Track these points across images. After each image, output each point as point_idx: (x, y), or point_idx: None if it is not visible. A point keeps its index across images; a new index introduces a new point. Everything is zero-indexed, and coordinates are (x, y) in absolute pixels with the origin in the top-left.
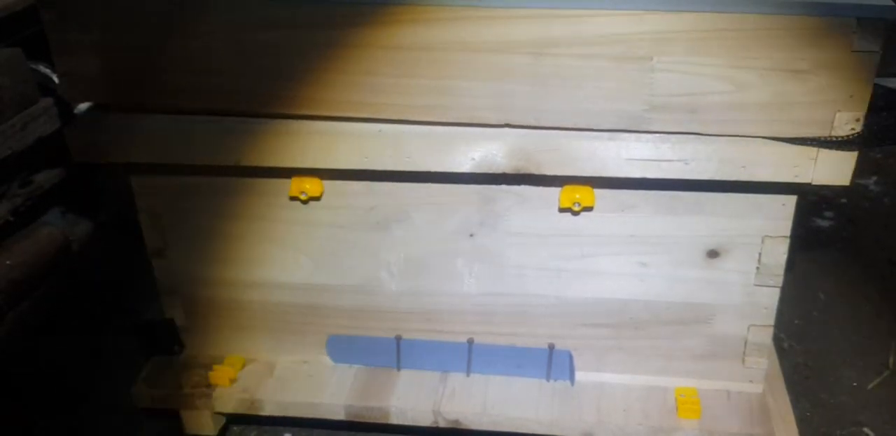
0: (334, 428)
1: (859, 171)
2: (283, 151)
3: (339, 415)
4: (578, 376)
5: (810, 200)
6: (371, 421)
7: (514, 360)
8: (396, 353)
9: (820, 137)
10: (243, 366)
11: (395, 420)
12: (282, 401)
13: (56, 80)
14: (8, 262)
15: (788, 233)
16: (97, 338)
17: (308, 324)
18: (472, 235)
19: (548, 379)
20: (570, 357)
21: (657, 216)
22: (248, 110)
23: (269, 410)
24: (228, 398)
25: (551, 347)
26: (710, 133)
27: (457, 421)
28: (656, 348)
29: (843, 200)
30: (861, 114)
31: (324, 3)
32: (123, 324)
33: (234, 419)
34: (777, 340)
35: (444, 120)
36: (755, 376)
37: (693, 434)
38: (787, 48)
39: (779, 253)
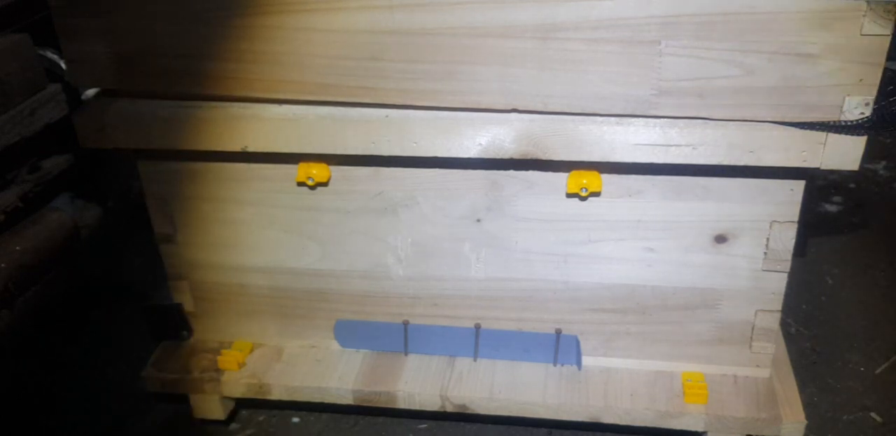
0: (342, 412)
1: (868, 155)
2: (290, 136)
3: (347, 399)
4: (585, 360)
5: (819, 184)
6: (379, 405)
7: (521, 345)
8: (404, 338)
9: (829, 122)
10: (251, 351)
11: (402, 405)
12: (290, 385)
13: (63, 66)
14: (17, 247)
15: (797, 218)
16: (106, 323)
17: (316, 309)
18: (479, 221)
19: (555, 364)
20: (577, 342)
21: (665, 201)
22: (254, 96)
23: (277, 394)
24: (237, 383)
25: (558, 332)
26: (718, 118)
27: (464, 406)
28: (663, 332)
29: (852, 185)
30: (870, 98)
31: None
32: (132, 309)
33: (243, 403)
34: (784, 325)
35: (450, 105)
36: (762, 361)
37: (700, 419)
38: (795, 32)
39: (787, 238)
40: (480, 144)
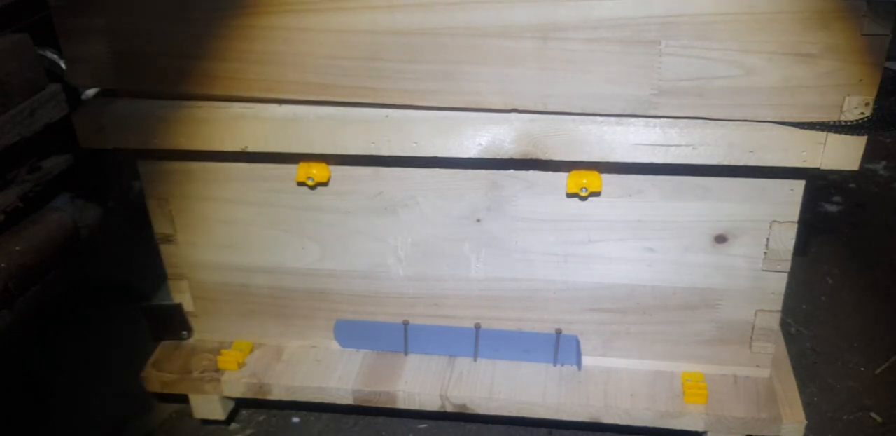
0: (342, 412)
1: (868, 155)
2: (291, 136)
3: (347, 399)
4: (585, 360)
5: (819, 184)
6: (379, 405)
7: (521, 345)
8: (404, 338)
9: (829, 122)
10: (251, 351)
11: (402, 405)
12: (290, 385)
13: (63, 66)
14: (17, 247)
15: (796, 218)
16: (106, 323)
17: (316, 309)
18: (479, 221)
19: (555, 364)
20: (577, 342)
21: (665, 201)
22: (254, 96)
23: (277, 394)
24: (237, 383)
25: (558, 332)
26: (718, 118)
27: (464, 405)
28: (663, 332)
29: (852, 185)
30: (870, 98)
31: None
32: (132, 309)
33: (243, 403)
34: (784, 325)
35: (450, 105)
36: (762, 361)
37: (700, 419)
38: (795, 32)
39: (787, 238)
40: (480, 144)
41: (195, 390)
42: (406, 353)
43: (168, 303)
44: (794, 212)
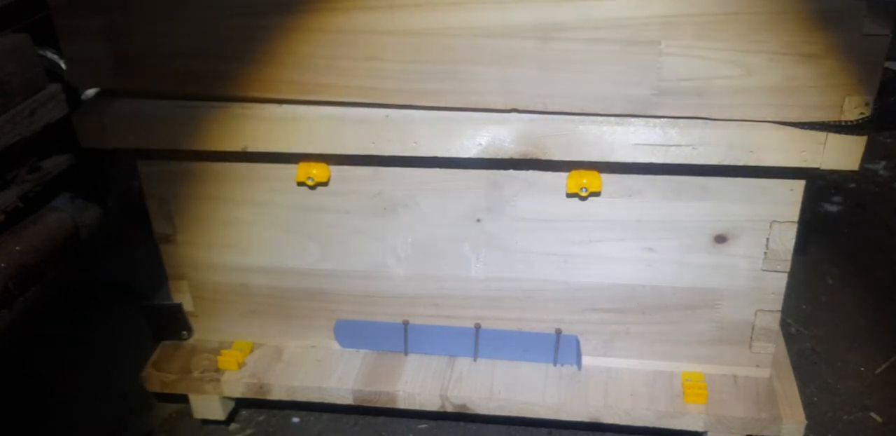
0: (342, 412)
1: (868, 155)
2: (290, 136)
3: (347, 399)
4: (585, 360)
5: (819, 184)
6: (379, 405)
7: (521, 345)
8: (404, 338)
9: (829, 122)
10: (251, 351)
11: (402, 405)
12: (290, 385)
13: (63, 65)
14: (17, 247)
15: (796, 218)
16: (106, 323)
17: (316, 309)
18: (479, 221)
19: (555, 364)
20: (577, 342)
21: (665, 201)
22: (254, 96)
23: (277, 394)
24: (237, 383)
25: (558, 332)
26: (718, 118)
27: (464, 406)
28: (663, 332)
29: (852, 185)
30: (870, 98)
31: None
32: (132, 309)
33: (243, 403)
34: (784, 325)
35: (450, 105)
36: (762, 361)
37: (700, 419)
38: (795, 32)
39: (787, 238)
40: (480, 144)
41: (195, 390)
42: (406, 353)
43: (168, 303)
44: (794, 212)
